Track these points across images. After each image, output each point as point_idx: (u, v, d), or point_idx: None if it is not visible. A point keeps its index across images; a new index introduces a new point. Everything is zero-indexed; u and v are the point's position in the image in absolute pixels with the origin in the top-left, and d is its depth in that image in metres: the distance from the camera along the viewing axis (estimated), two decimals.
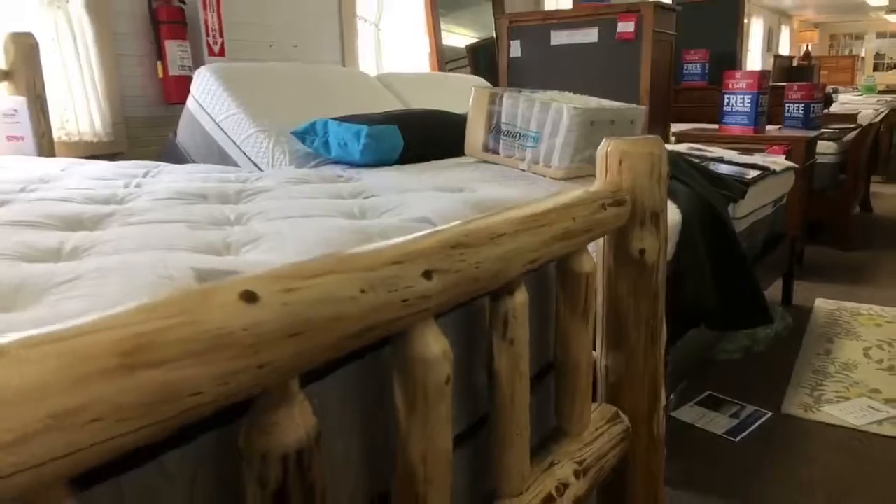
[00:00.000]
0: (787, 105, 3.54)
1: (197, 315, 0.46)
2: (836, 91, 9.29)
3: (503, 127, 1.92)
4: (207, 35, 2.55)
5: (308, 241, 0.79)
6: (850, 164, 3.76)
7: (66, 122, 2.22)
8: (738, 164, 2.28)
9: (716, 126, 3.45)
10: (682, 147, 2.64)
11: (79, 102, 2.23)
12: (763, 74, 3.24)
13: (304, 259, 0.60)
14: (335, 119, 2.00)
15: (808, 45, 12.07)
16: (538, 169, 1.86)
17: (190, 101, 2.23)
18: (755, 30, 10.66)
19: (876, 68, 14.01)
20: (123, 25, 2.39)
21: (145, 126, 2.46)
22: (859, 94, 8.56)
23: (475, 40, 4.31)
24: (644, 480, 1.14)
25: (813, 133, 3.31)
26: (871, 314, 2.65)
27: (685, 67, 5.50)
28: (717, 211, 1.75)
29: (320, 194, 1.12)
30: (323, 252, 0.75)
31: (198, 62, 2.50)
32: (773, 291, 2.71)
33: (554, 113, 1.82)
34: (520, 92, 1.93)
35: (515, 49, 3.64)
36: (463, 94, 2.76)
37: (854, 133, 3.93)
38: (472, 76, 3.64)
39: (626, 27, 3.26)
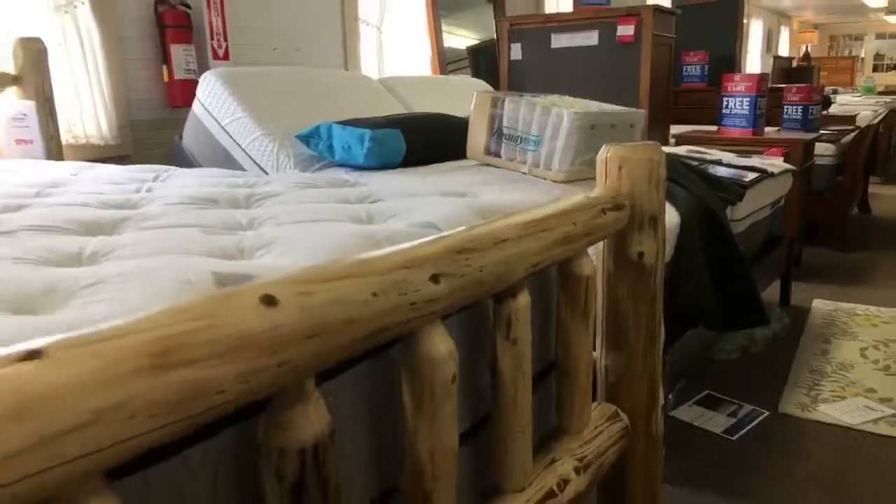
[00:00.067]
0: (785, 107, 3.57)
1: (221, 318, 0.49)
2: (835, 92, 9.32)
3: (505, 131, 1.95)
4: (212, 39, 2.58)
5: (319, 246, 0.82)
6: (848, 165, 3.79)
7: (74, 126, 2.25)
8: (736, 167, 2.31)
9: (715, 128, 3.48)
10: (681, 149, 2.67)
11: (86, 106, 2.27)
12: (761, 77, 3.27)
13: (316, 263, 0.63)
14: (339, 123, 2.03)
15: (807, 46, 12.10)
16: (539, 172, 1.89)
17: (196, 105, 2.26)
18: (755, 31, 10.69)
19: (875, 69, 14.04)
20: (130, 30, 2.42)
21: (151, 129, 2.49)
22: (858, 95, 8.59)
23: (476, 42, 4.34)
24: (643, 477, 1.18)
25: (811, 135, 3.34)
26: (868, 315, 2.68)
27: (685, 69, 5.53)
28: (715, 213, 1.78)
29: (328, 199, 1.15)
30: (334, 256, 0.78)
31: (202, 66, 2.53)
32: (772, 292, 2.74)
33: (555, 117, 1.85)
34: (521, 96, 1.96)
35: (516, 52, 3.67)
36: (464, 97, 2.80)
37: (852, 135, 3.96)
38: (473, 79, 3.67)
39: (625, 30, 3.29)
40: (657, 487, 1.23)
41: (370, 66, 3.49)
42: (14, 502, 0.39)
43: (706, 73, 5.46)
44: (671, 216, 1.65)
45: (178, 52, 2.46)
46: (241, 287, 0.53)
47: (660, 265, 1.13)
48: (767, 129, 3.55)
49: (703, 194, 1.81)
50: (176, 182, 1.33)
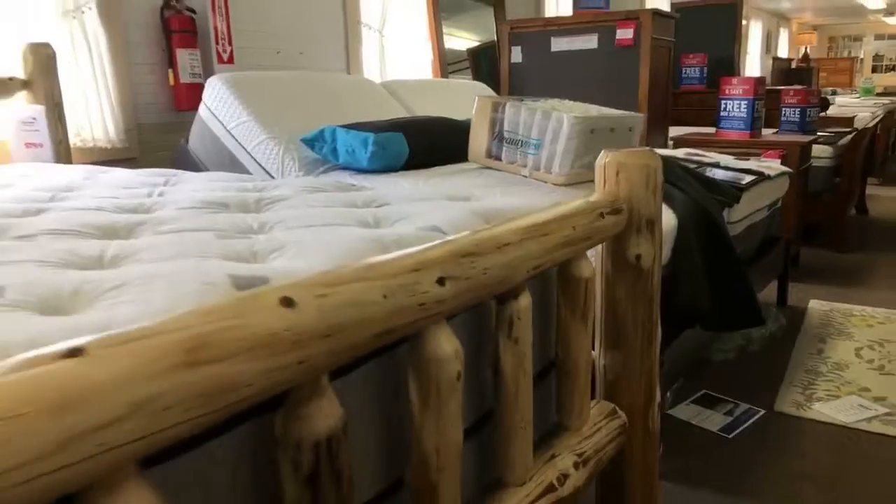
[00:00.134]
0: (783, 109, 3.61)
1: (245, 318, 0.53)
2: (834, 93, 9.36)
3: (506, 135, 1.98)
4: (217, 43, 2.62)
5: (329, 250, 0.85)
6: (845, 167, 3.83)
7: (82, 129, 2.29)
8: (733, 170, 2.35)
9: (713, 130, 3.52)
10: (680, 152, 2.71)
11: (93, 109, 2.30)
12: (759, 81, 3.31)
13: (329, 267, 0.66)
14: (343, 127, 2.07)
15: (806, 48, 12.14)
16: (539, 175, 1.92)
17: (202, 109, 2.30)
18: (754, 32, 10.73)
19: (874, 70, 14.08)
20: (136, 34, 2.46)
21: (157, 132, 2.53)
22: (857, 96, 8.63)
23: (476, 44, 4.38)
24: (640, 472, 1.21)
25: (808, 138, 3.38)
26: (864, 315, 2.71)
27: (684, 71, 5.57)
28: (712, 216, 1.82)
29: (335, 203, 1.19)
30: (344, 260, 0.82)
31: (208, 70, 2.57)
32: (769, 293, 2.78)
33: (555, 121, 1.89)
34: (521, 101, 1.99)
35: (516, 55, 3.71)
36: (465, 100, 2.84)
37: (849, 137, 4.00)
38: (474, 82, 3.71)
39: (624, 34, 3.33)
40: (654, 482, 1.27)
41: (372, 69, 3.53)
42: (60, 488, 0.43)
43: (705, 75, 5.50)
44: (669, 218, 1.68)
45: (183, 56, 2.49)
46: (262, 289, 0.57)
47: (657, 267, 1.17)
48: (766, 130, 3.59)
49: (700, 197, 1.85)
50: (186, 186, 1.37)
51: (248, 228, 1.00)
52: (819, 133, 3.80)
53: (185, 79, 2.50)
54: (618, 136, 1.99)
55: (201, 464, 0.60)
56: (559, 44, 3.55)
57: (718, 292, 1.78)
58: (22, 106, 2.03)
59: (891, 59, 14.28)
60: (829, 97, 7.22)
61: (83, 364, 0.44)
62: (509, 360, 0.89)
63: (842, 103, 7.03)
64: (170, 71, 2.52)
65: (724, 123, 3.35)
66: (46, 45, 2.06)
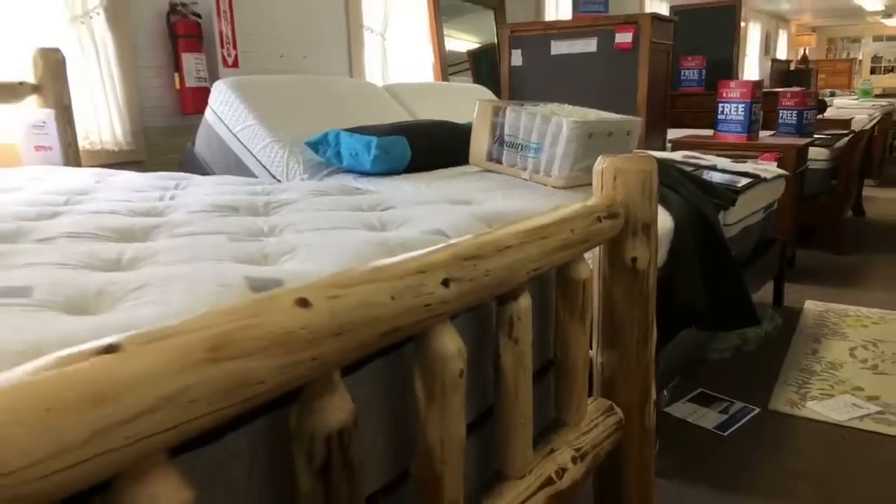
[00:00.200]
0: (780, 112, 3.65)
1: (264, 318, 0.57)
2: (833, 94, 9.41)
3: (506, 138, 2.02)
4: (222, 47, 2.66)
5: (338, 253, 0.89)
6: (841, 169, 3.87)
7: (90, 132, 2.33)
8: (730, 173, 2.39)
9: (711, 132, 3.56)
10: (678, 155, 2.74)
11: (101, 113, 2.34)
12: (755, 84, 3.35)
13: (339, 269, 0.70)
14: (346, 130, 2.11)
15: (805, 49, 12.19)
16: (539, 178, 1.96)
17: (208, 113, 2.34)
18: (753, 34, 10.77)
19: (873, 71, 14.13)
20: (143, 39, 2.50)
21: (163, 135, 2.57)
22: (856, 97, 8.67)
23: (476, 45, 4.42)
24: (636, 467, 1.25)
25: (804, 141, 3.42)
26: (859, 315, 2.75)
27: (682, 73, 5.62)
28: (708, 218, 1.86)
29: (341, 206, 1.23)
30: (352, 262, 0.86)
31: (213, 74, 2.61)
32: (765, 293, 2.82)
33: (554, 126, 1.93)
34: (522, 105, 2.03)
35: (517, 58, 3.75)
36: (466, 103, 2.88)
37: (846, 139, 4.04)
38: (475, 85, 3.75)
39: (623, 38, 3.37)
40: (650, 478, 1.31)
41: (374, 71, 3.57)
42: (97, 474, 0.47)
43: (704, 77, 5.55)
44: (665, 221, 1.72)
45: (189, 60, 2.53)
46: (279, 290, 0.61)
47: (652, 269, 1.21)
48: (764, 132, 3.63)
49: (696, 200, 1.89)
50: (196, 190, 1.41)
51: (259, 231, 1.04)
52: (816, 135, 3.84)
53: (190, 82, 2.54)
54: (616, 140, 2.03)
55: (221, 456, 0.63)
56: (559, 47, 3.59)
57: (714, 293, 1.82)
58: (32, 110, 2.07)
59: (889, 60, 14.33)
60: (827, 99, 7.26)
61: (118, 360, 0.48)
62: (510, 359, 0.93)
63: (840, 105, 7.07)
64: (176, 75, 2.56)
65: (722, 126, 3.39)
66: (56, 51, 2.10)
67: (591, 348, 1.18)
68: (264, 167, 2.20)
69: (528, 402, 0.97)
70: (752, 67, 10.65)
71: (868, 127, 4.54)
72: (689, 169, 2.29)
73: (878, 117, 5.66)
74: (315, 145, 2.14)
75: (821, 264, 3.57)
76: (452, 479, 0.83)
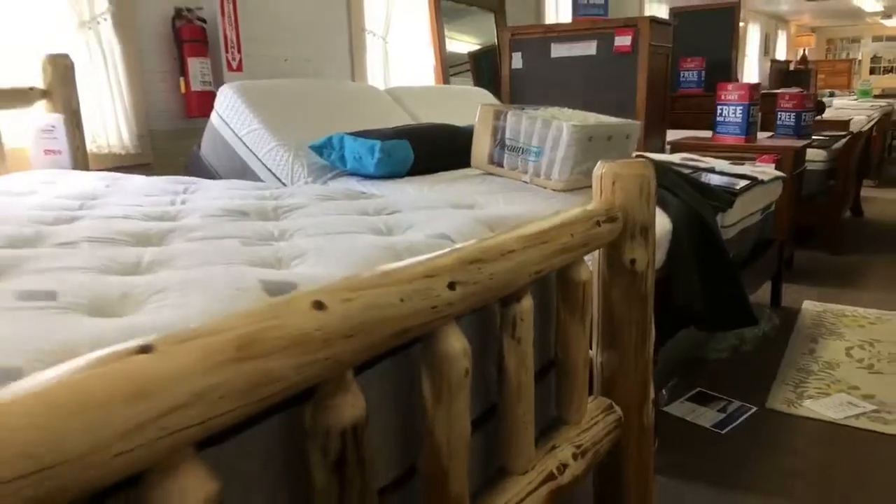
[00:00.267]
0: (779, 113, 3.69)
1: (283, 319, 0.61)
2: (832, 95, 9.44)
3: (507, 142, 2.06)
4: (227, 52, 2.70)
5: (347, 257, 0.93)
6: (839, 170, 3.90)
7: (97, 136, 2.37)
8: (728, 175, 2.42)
9: (710, 133, 3.60)
10: (676, 157, 2.78)
11: (108, 116, 2.38)
12: (753, 87, 3.39)
13: (346, 272, 0.74)
14: (350, 134, 2.14)
15: (804, 50, 12.22)
16: (539, 181, 2.00)
17: (213, 117, 2.38)
18: (752, 35, 10.80)
19: (872, 71, 14.17)
20: (149, 44, 2.54)
21: (169, 138, 2.61)
22: (855, 98, 8.71)
23: (477, 47, 4.45)
24: (635, 463, 1.29)
25: (802, 142, 3.45)
26: (856, 316, 2.79)
27: (682, 75, 5.65)
28: (706, 220, 1.90)
29: (348, 211, 1.26)
30: (361, 266, 0.90)
31: (218, 77, 2.65)
32: (763, 294, 2.86)
33: (555, 130, 1.96)
34: (523, 109, 2.07)
35: (517, 60, 3.79)
36: (467, 106, 2.92)
37: (844, 141, 4.07)
38: (476, 88, 3.79)
39: (623, 41, 3.41)
40: (649, 475, 1.34)
41: (376, 74, 3.61)
42: (133, 466, 0.51)
43: (703, 79, 5.58)
44: (664, 223, 1.76)
45: (194, 64, 2.57)
46: (296, 294, 0.65)
47: (650, 271, 1.25)
48: (762, 133, 3.67)
49: (694, 202, 1.92)
50: (205, 194, 1.45)
51: (270, 236, 1.08)
52: (814, 137, 3.88)
53: (195, 86, 2.58)
54: (615, 144, 2.07)
55: (237, 450, 0.67)
56: (559, 50, 3.63)
57: (712, 294, 1.86)
58: (41, 114, 2.11)
59: (889, 60, 14.37)
60: (826, 99, 7.29)
61: (152, 360, 0.52)
62: (513, 358, 0.97)
63: (839, 106, 7.10)
64: (181, 79, 2.60)
65: (721, 128, 3.43)
66: (65, 56, 2.14)
67: (591, 348, 1.22)
68: (269, 170, 2.24)
69: (530, 400, 1.00)
70: (751, 68, 10.68)
71: (865, 129, 4.57)
72: (687, 171, 2.33)
73: (877, 118, 5.70)
74: (319, 149, 2.18)
75: (819, 265, 3.61)
76: (458, 474, 0.86)
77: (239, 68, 2.75)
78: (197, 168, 2.38)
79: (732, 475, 1.73)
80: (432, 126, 2.43)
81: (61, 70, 2.11)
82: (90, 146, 2.32)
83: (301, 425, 0.70)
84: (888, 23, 12.96)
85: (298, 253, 0.96)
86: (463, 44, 4.34)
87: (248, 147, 2.27)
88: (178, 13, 2.59)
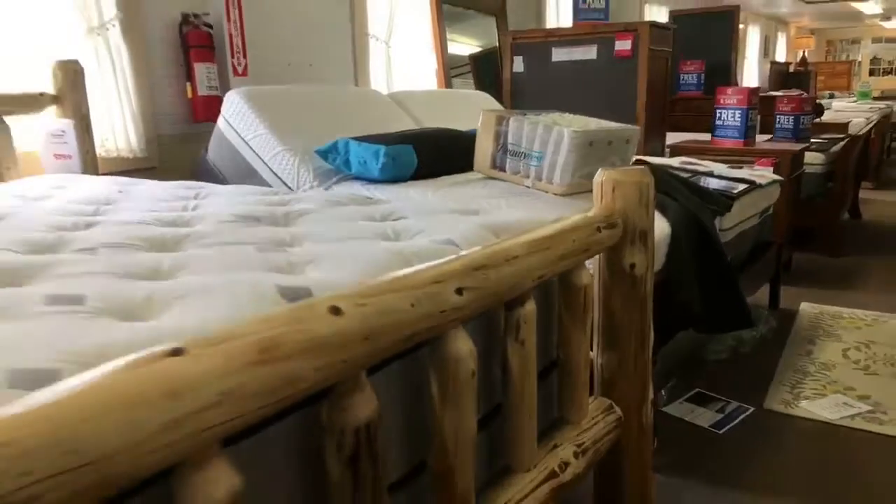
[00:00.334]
0: (777, 117, 3.73)
1: (302, 324, 0.65)
2: (832, 96, 9.47)
3: (509, 147, 2.10)
4: (233, 56, 2.74)
5: (358, 262, 0.97)
6: (837, 173, 3.94)
7: (105, 140, 2.41)
8: (726, 178, 2.46)
9: (710, 136, 3.63)
10: (675, 161, 2.82)
11: (116, 121, 2.42)
12: (752, 91, 3.43)
13: (357, 277, 0.78)
14: (355, 139, 2.18)
15: (804, 51, 12.26)
16: (541, 185, 2.04)
17: (220, 122, 2.42)
18: (752, 37, 10.84)
19: (872, 73, 14.21)
20: (156, 49, 2.58)
21: (176, 143, 2.65)
22: (854, 99, 8.74)
23: (478, 50, 4.49)
24: (635, 462, 1.33)
25: (800, 146, 3.49)
26: (853, 317, 2.83)
27: (682, 78, 5.69)
28: (704, 224, 1.93)
29: (356, 217, 1.30)
30: (372, 271, 0.94)
31: (224, 82, 2.69)
32: (761, 296, 2.90)
33: (556, 135, 2.00)
34: (524, 115, 2.11)
35: (518, 64, 3.83)
36: (469, 110, 2.96)
37: (842, 144, 4.11)
38: (478, 92, 3.83)
39: (623, 45, 3.45)
40: (648, 474, 1.38)
41: (379, 78, 3.65)
42: (166, 461, 0.54)
43: (702, 81, 5.62)
44: (663, 227, 1.80)
45: (200, 69, 2.61)
46: (315, 299, 0.69)
47: (649, 275, 1.28)
48: (762, 136, 3.70)
49: (692, 206, 1.96)
50: (216, 200, 1.49)
51: (282, 241, 1.12)
52: (812, 140, 3.91)
53: (202, 91, 2.62)
54: (615, 148, 2.10)
55: (259, 447, 0.71)
56: (559, 54, 3.67)
57: (710, 296, 1.89)
58: (52, 119, 2.15)
59: (889, 62, 14.40)
60: (825, 101, 7.33)
61: (185, 361, 0.56)
62: (516, 360, 1.01)
63: (838, 108, 7.13)
64: (188, 84, 2.64)
65: (719, 132, 3.47)
66: (75, 62, 2.18)
67: (591, 350, 1.26)
68: (275, 174, 2.28)
69: (533, 400, 1.04)
70: (751, 70, 10.72)
71: (864, 131, 4.61)
72: (686, 175, 2.36)
73: (876, 120, 5.73)
74: (325, 153, 2.22)
75: (817, 267, 3.64)
76: (464, 471, 0.90)
77: (245, 73, 2.79)
78: (204, 172, 2.42)
79: (730, 474, 1.77)
80: (435, 131, 2.47)
81: (71, 76, 2.15)
82: (99, 150, 2.36)
83: (318, 423, 0.74)
84: (887, 24, 13.00)
85: (311, 258, 1.00)
86: (464, 46, 4.38)
87: (254, 151, 2.31)
88: (185, 19, 2.63)
